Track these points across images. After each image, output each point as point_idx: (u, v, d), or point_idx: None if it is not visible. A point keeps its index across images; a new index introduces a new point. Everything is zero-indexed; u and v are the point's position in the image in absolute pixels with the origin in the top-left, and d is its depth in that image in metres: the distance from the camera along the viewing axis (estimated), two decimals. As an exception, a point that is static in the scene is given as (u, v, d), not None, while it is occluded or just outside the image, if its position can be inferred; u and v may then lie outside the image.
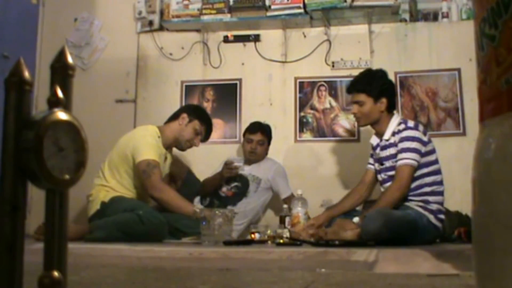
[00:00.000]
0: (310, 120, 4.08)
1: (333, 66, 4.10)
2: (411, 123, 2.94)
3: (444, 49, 3.94)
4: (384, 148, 2.99)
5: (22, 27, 4.18)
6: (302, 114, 4.09)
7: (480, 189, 0.52)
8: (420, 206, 2.79)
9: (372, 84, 3.02)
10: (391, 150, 2.95)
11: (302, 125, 4.08)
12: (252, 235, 2.81)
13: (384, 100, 3.00)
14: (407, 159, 2.81)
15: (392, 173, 2.91)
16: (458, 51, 3.84)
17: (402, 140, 2.87)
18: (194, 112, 3.34)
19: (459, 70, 3.89)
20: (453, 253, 2.02)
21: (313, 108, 4.09)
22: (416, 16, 4.05)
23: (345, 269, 1.32)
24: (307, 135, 4.07)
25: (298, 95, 4.12)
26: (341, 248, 2.29)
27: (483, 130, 0.52)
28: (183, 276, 1.18)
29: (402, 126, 2.94)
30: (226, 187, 3.58)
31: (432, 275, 1.13)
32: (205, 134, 3.35)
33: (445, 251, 2.12)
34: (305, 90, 4.12)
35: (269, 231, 2.76)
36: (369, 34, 4.06)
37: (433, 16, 4.03)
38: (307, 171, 3.95)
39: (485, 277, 0.51)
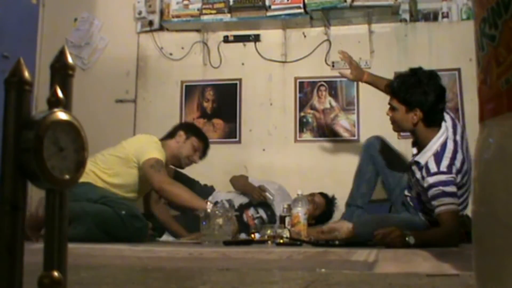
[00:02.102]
0: (310, 120, 4.08)
1: (333, 66, 4.10)
2: (444, 165, 2.49)
3: (444, 49, 3.94)
4: (415, 163, 2.67)
5: (22, 27, 4.18)
6: (302, 114, 4.09)
7: (480, 189, 0.52)
8: (427, 219, 2.71)
9: (408, 91, 2.58)
10: (419, 176, 2.61)
11: (302, 125, 4.08)
12: (252, 235, 2.81)
13: (418, 112, 2.58)
14: (448, 204, 2.42)
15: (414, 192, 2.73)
16: (458, 51, 3.85)
17: (436, 185, 2.47)
18: (191, 129, 3.33)
19: (459, 70, 3.90)
20: (453, 253, 2.02)
21: (313, 108, 4.09)
22: (416, 16, 4.05)
23: (345, 269, 1.32)
24: (307, 135, 4.07)
25: (298, 95, 4.12)
26: (341, 248, 2.29)
27: (483, 130, 0.52)
28: (183, 276, 1.18)
29: (434, 167, 2.50)
30: (252, 212, 3.41)
31: (432, 275, 1.13)
32: (203, 150, 3.32)
33: (445, 251, 2.12)
34: (305, 90, 4.12)
35: (269, 231, 2.76)
36: (369, 34, 4.06)
37: (433, 16, 4.04)
38: (307, 171, 3.95)
39: (485, 277, 0.50)
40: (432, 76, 2.63)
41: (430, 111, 2.57)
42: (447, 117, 2.69)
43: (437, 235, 2.41)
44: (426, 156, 2.56)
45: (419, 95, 2.56)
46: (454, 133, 2.62)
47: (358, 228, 2.64)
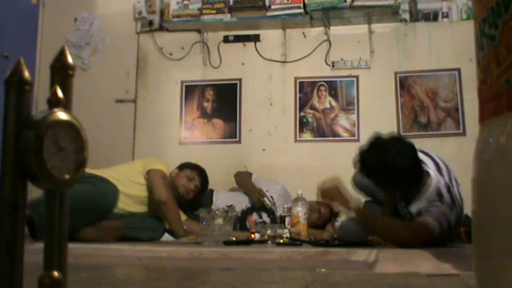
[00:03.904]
0: (310, 120, 4.08)
1: (333, 66, 4.10)
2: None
3: (444, 49, 3.94)
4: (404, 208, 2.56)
5: (22, 27, 4.18)
6: (302, 114, 4.09)
7: (480, 189, 0.52)
8: None
9: (377, 183, 2.46)
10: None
11: (302, 125, 4.08)
12: (252, 235, 2.81)
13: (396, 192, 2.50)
14: (435, 221, 2.28)
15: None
16: (458, 51, 3.85)
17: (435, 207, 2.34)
18: (184, 165, 3.43)
19: (459, 70, 3.89)
20: (453, 253, 2.02)
21: (313, 108, 4.09)
22: (416, 16, 4.05)
23: (345, 269, 1.32)
24: (307, 135, 4.07)
25: (298, 95, 4.12)
26: (341, 248, 2.29)
27: (483, 130, 0.52)
28: (183, 276, 1.18)
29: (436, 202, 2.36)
30: (255, 217, 3.45)
31: (432, 275, 1.13)
32: (200, 180, 3.36)
33: (445, 251, 2.12)
34: (305, 90, 4.12)
35: (269, 231, 2.76)
36: (369, 34, 4.06)
37: (433, 16, 4.04)
38: (307, 171, 3.95)
39: (485, 277, 0.50)
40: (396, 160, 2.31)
41: (406, 185, 2.39)
42: (426, 160, 2.51)
43: (393, 227, 2.35)
44: (421, 204, 2.38)
45: (387, 183, 2.40)
46: (441, 173, 2.46)
47: (340, 232, 2.68)
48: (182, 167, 3.40)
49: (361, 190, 3.01)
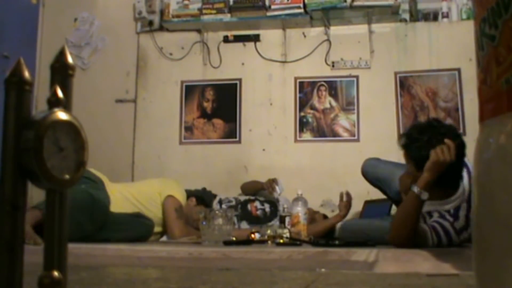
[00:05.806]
0: (310, 120, 4.08)
1: (333, 66, 4.10)
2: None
3: (444, 49, 3.94)
4: None
5: (22, 27, 4.18)
6: (302, 114, 4.09)
7: (480, 189, 0.52)
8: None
9: (415, 148, 2.27)
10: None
11: (302, 125, 4.08)
12: (252, 235, 2.81)
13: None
14: (436, 235, 2.26)
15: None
16: (458, 51, 3.85)
17: (436, 221, 2.30)
18: (200, 199, 3.41)
19: (459, 70, 3.90)
20: (453, 253, 2.01)
21: (313, 108, 4.09)
22: (416, 16, 4.06)
23: (345, 269, 1.32)
24: (307, 135, 4.07)
25: (298, 95, 4.12)
26: (341, 248, 2.29)
27: (483, 130, 0.52)
28: (183, 276, 1.18)
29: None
30: (258, 204, 3.46)
31: (432, 275, 1.13)
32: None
33: (445, 251, 2.12)
34: (305, 90, 4.12)
35: (269, 231, 2.76)
36: (369, 34, 4.06)
37: (433, 16, 4.04)
38: (307, 171, 3.95)
39: (485, 277, 0.50)
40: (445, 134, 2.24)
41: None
42: (464, 173, 2.34)
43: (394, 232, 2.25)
44: (433, 209, 2.35)
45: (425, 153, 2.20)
46: (470, 192, 2.27)
47: (342, 232, 2.69)
48: (199, 200, 3.37)
49: (371, 182, 2.99)
